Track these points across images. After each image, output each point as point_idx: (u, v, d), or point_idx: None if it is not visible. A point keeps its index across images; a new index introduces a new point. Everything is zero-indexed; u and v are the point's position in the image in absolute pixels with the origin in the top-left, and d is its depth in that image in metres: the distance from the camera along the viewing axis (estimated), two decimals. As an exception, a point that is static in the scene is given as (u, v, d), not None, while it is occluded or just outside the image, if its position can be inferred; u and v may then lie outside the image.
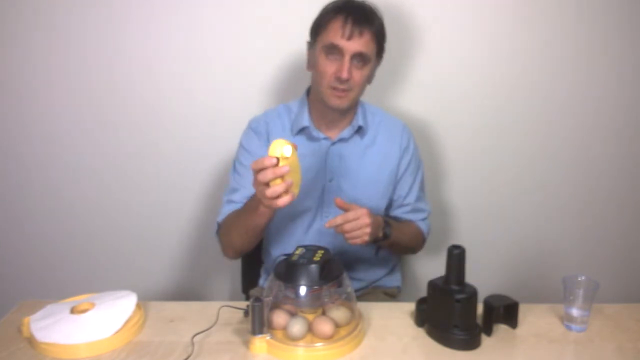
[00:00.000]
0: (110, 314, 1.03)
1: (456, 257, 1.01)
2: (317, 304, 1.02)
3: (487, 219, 1.79)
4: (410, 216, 1.42)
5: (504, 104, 1.68)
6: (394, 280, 1.50)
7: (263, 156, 1.01)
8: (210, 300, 1.78)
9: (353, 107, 1.32)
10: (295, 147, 1.02)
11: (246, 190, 1.27)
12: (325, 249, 1.05)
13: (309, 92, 1.36)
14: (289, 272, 1.00)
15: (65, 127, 1.68)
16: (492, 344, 1.03)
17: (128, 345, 1.01)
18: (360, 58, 1.21)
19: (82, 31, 1.60)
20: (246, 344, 1.00)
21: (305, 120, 1.31)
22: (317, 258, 1.01)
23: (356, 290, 1.36)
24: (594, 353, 1.01)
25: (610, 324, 1.10)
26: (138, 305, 1.09)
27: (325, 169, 1.33)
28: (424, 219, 1.45)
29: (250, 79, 1.64)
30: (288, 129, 1.33)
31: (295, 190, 1.06)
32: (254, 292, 1.47)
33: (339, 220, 1.15)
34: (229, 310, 1.10)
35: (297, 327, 0.99)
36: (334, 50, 1.20)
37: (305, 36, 1.30)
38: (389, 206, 1.42)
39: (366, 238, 1.16)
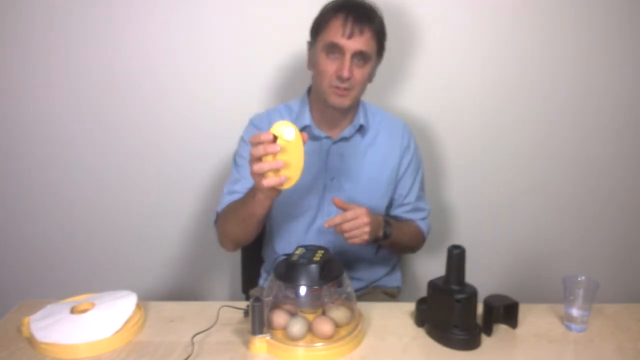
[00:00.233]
0: (110, 314, 1.03)
1: (456, 257, 1.01)
2: (317, 304, 1.02)
3: (487, 219, 1.79)
4: (411, 215, 1.42)
5: (504, 104, 1.69)
6: (394, 280, 1.50)
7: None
8: (210, 300, 1.78)
9: (354, 106, 1.32)
10: (300, 134, 1.00)
11: (247, 181, 1.26)
12: (325, 249, 1.05)
13: (309, 91, 1.36)
14: (289, 272, 1.00)
15: (65, 127, 1.68)
16: (492, 344, 1.03)
17: (128, 345, 1.01)
18: (361, 57, 1.21)
19: (81, 31, 1.60)
20: (246, 344, 1.00)
21: (307, 120, 1.31)
22: (317, 258, 1.01)
23: (356, 290, 1.36)
24: (594, 353, 1.01)
25: (610, 324, 1.10)
26: (138, 305, 1.09)
27: (327, 168, 1.33)
28: (423, 219, 1.45)
29: (250, 79, 1.64)
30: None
31: (292, 176, 1.02)
32: (254, 292, 1.47)
33: (337, 219, 1.15)
34: (229, 310, 1.10)
35: (297, 327, 0.98)
36: (334, 49, 1.20)
37: (305, 36, 1.30)
38: (389, 205, 1.42)
39: (365, 237, 1.16)
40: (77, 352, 0.97)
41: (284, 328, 1.00)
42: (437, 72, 1.65)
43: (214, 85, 1.65)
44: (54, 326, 1.00)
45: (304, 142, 1.02)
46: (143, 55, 1.63)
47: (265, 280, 1.47)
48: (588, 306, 1.06)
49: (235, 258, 1.65)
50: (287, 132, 0.99)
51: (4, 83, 1.65)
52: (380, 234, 1.24)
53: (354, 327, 1.02)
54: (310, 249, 1.05)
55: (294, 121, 1.33)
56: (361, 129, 1.34)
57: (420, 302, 1.09)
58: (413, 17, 1.60)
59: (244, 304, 1.10)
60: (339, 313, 1.03)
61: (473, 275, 1.05)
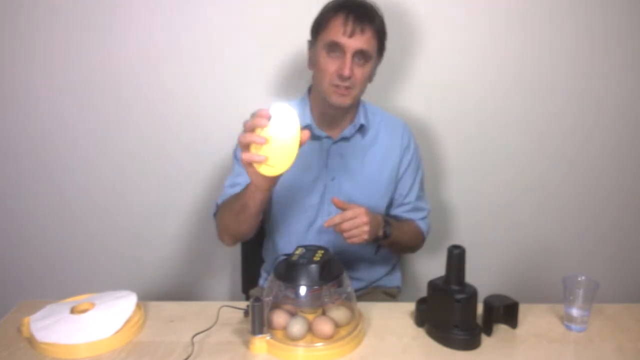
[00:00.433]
0: (110, 314, 1.03)
1: (456, 257, 1.01)
2: (317, 304, 1.02)
3: (487, 219, 1.79)
4: (411, 215, 1.42)
5: (504, 104, 1.69)
6: (394, 280, 1.50)
7: None
8: (210, 300, 1.78)
9: (354, 106, 1.32)
10: (300, 129, 0.98)
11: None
12: (325, 249, 1.05)
13: (310, 91, 1.36)
14: (289, 272, 1.00)
15: (65, 127, 1.68)
16: (492, 344, 1.03)
17: (128, 345, 1.01)
18: (361, 55, 1.21)
19: (82, 30, 1.60)
20: (246, 344, 1.00)
21: (307, 119, 1.31)
22: (317, 258, 1.01)
23: (356, 290, 1.36)
24: (594, 353, 1.01)
25: (610, 324, 1.10)
26: (138, 305, 1.09)
27: (327, 168, 1.33)
28: (423, 218, 1.45)
29: (250, 78, 1.64)
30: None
31: (276, 164, 0.99)
32: (254, 292, 1.47)
33: (337, 219, 1.15)
34: (229, 310, 1.10)
35: (297, 327, 0.98)
36: (335, 48, 1.20)
37: (306, 35, 1.30)
38: (389, 205, 1.42)
39: (365, 237, 1.16)
40: (77, 352, 0.97)
41: (284, 328, 1.00)
42: (437, 72, 1.65)
43: (214, 84, 1.65)
44: (54, 326, 1.00)
45: (305, 139, 1.00)
46: (143, 55, 1.62)
47: (265, 280, 1.47)
48: (588, 306, 1.06)
49: (235, 258, 1.65)
50: (282, 118, 0.98)
51: (5, 83, 1.65)
52: (380, 233, 1.24)
53: (354, 327, 1.02)
54: (310, 249, 1.05)
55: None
56: (361, 129, 1.34)
57: (420, 302, 1.09)
58: (413, 16, 1.60)
59: (244, 304, 1.10)
60: (339, 313, 1.03)
61: (473, 275, 1.05)
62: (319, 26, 1.24)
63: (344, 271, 1.04)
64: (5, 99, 1.66)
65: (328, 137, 1.32)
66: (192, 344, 1.00)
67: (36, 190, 1.74)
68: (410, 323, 1.10)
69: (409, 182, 1.41)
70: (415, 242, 1.44)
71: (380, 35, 1.25)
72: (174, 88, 1.65)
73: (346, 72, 1.19)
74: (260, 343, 0.98)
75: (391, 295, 1.49)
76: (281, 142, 0.99)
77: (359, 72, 1.22)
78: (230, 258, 1.78)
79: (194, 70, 1.64)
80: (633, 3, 1.60)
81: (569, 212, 1.79)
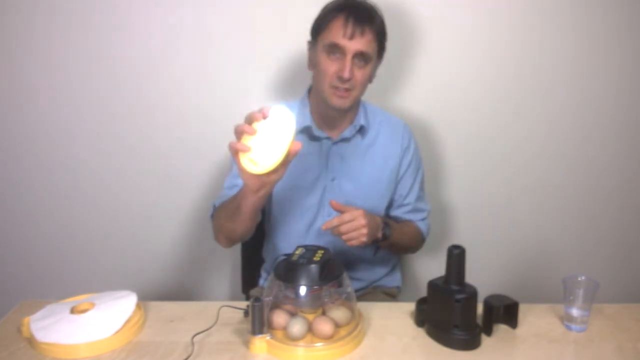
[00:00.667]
0: (110, 314, 1.03)
1: (456, 257, 1.01)
2: (317, 304, 1.02)
3: (487, 219, 1.79)
4: (410, 216, 1.42)
5: (504, 104, 1.69)
6: (394, 280, 1.50)
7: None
8: (210, 300, 1.78)
9: (354, 107, 1.32)
10: (293, 139, 0.99)
11: None
12: (326, 249, 1.05)
13: (309, 91, 1.36)
14: (289, 272, 1.00)
15: (65, 127, 1.68)
16: (492, 344, 1.03)
17: (128, 345, 1.01)
18: (361, 57, 1.21)
19: (82, 30, 1.60)
20: (246, 344, 1.00)
21: (307, 120, 1.31)
22: (317, 258, 1.01)
23: (356, 290, 1.36)
24: (594, 353, 1.01)
25: (610, 324, 1.10)
26: (138, 305, 1.09)
27: (327, 169, 1.33)
28: (423, 219, 1.45)
29: (250, 79, 1.64)
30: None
31: (260, 160, 0.99)
32: (254, 292, 1.47)
33: (335, 221, 1.15)
34: (229, 310, 1.10)
35: (297, 327, 0.98)
36: (335, 49, 1.20)
37: (306, 36, 1.29)
38: (389, 206, 1.42)
39: (364, 239, 1.16)
40: (77, 352, 0.97)
41: (284, 328, 1.00)
42: (437, 72, 1.65)
43: (214, 85, 1.65)
44: (54, 326, 1.00)
45: (295, 150, 1.00)
46: (142, 55, 1.62)
47: (265, 280, 1.47)
48: (588, 306, 1.06)
49: (235, 258, 1.65)
50: (278, 118, 0.99)
51: (4, 83, 1.65)
52: (379, 235, 1.24)
53: (354, 327, 1.02)
54: (310, 249, 1.05)
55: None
56: (361, 130, 1.34)
57: (420, 302, 1.09)
58: (413, 17, 1.60)
59: (244, 304, 1.10)
60: (339, 313, 1.03)
61: (473, 275, 1.05)
62: (319, 27, 1.24)
63: (344, 271, 1.04)
64: (5, 99, 1.66)
65: (328, 138, 1.32)
66: (192, 344, 1.00)
67: (36, 191, 1.74)
68: (410, 323, 1.10)
69: (408, 183, 1.41)
70: (415, 243, 1.44)
71: (381, 37, 1.25)
72: (173, 89, 1.65)
73: (346, 74, 1.19)
74: (260, 343, 0.98)
75: (391, 295, 1.49)
76: (269, 141, 0.99)
77: (359, 74, 1.22)
78: (230, 258, 1.78)
79: (193, 71, 1.64)
80: (633, 3, 1.60)
81: (569, 212, 1.79)
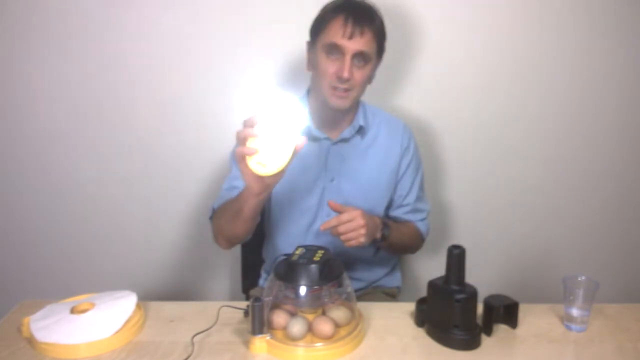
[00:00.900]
0: (110, 314, 1.03)
1: (456, 257, 1.01)
2: (317, 304, 1.02)
3: (487, 219, 1.79)
4: (410, 216, 1.42)
5: (503, 104, 1.69)
6: (394, 280, 1.50)
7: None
8: (210, 300, 1.78)
9: (354, 107, 1.32)
10: (296, 127, 0.99)
11: None
12: (326, 249, 1.05)
13: (308, 92, 1.36)
14: (289, 272, 1.00)
15: (66, 127, 1.68)
16: (492, 344, 1.03)
17: (128, 345, 1.01)
18: (361, 57, 1.21)
19: (81, 30, 1.60)
20: (246, 344, 1.00)
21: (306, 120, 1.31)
22: (317, 258, 1.01)
23: (356, 290, 1.36)
24: (594, 353, 1.01)
25: (610, 324, 1.10)
26: (138, 305, 1.09)
27: (326, 169, 1.33)
28: (423, 219, 1.45)
29: (249, 80, 1.64)
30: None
31: (267, 161, 1.00)
32: (254, 292, 1.47)
33: (333, 222, 1.15)
34: (229, 310, 1.10)
35: (297, 327, 0.98)
36: (334, 50, 1.20)
37: (305, 36, 1.29)
38: (389, 206, 1.42)
39: (362, 239, 1.16)
40: (77, 352, 0.97)
41: (284, 328, 1.00)
42: (437, 72, 1.65)
43: (212, 86, 1.65)
44: (54, 326, 1.00)
45: (300, 146, 1.00)
46: (142, 55, 1.63)
47: (265, 280, 1.47)
48: (588, 306, 1.06)
49: (235, 258, 1.65)
50: (282, 116, 0.98)
51: (4, 83, 1.65)
52: (379, 235, 1.24)
53: (354, 327, 1.02)
54: (310, 249, 1.05)
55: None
56: (361, 130, 1.34)
57: (420, 302, 1.09)
58: (413, 17, 1.60)
59: (244, 304, 1.10)
60: (339, 313, 1.03)
61: (473, 275, 1.05)
62: (318, 28, 1.24)
63: (344, 271, 1.04)
64: (5, 99, 1.66)
65: (327, 138, 1.32)
66: (192, 344, 1.00)
67: (36, 191, 1.74)
68: (410, 323, 1.10)
69: (408, 183, 1.41)
70: (414, 243, 1.44)
71: (380, 37, 1.25)
72: (173, 90, 1.65)
73: (345, 74, 1.19)
74: (260, 343, 0.98)
75: (391, 295, 1.48)
76: (275, 140, 0.99)
77: (359, 74, 1.22)
78: (230, 258, 1.78)
79: (192, 72, 1.64)
80: (634, 3, 1.60)
81: (569, 212, 1.79)
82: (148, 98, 1.66)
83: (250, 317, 0.97)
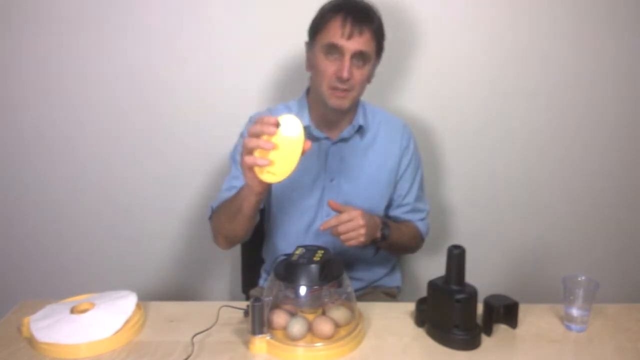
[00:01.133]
0: (110, 314, 1.03)
1: (456, 257, 1.01)
2: (317, 304, 1.02)
3: (487, 219, 1.79)
4: (409, 216, 1.42)
5: (504, 104, 1.69)
6: (394, 280, 1.50)
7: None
8: (210, 300, 1.79)
9: (353, 107, 1.32)
10: (304, 138, 0.99)
11: None
12: (326, 249, 1.05)
13: (308, 92, 1.36)
14: (289, 272, 1.00)
15: (65, 128, 1.68)
16: (492, 344, 1.03)
17: (128, 345, 1.01)
18: (360, 57, 1.21)
19: (82, 31, 1.60)
20: (246, 344, 1.00)
21: (305, 120, 1.31)
22: (317, 258, 1.01)
23: (356, 290, 1.36)
24: (594, 353, 1.01)
25: (610, 324, 1.10)
26: (138, 305, 1.09)
27: (326, 169, 1.33)
28: (422, 219, 1.45)
29: (249, 79, 1.64)
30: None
31: (277, 171, 1.01)
32: (254, 292, 1.47)
33: (332, 222, 1.15)
34: (229, 310, 1.10)
35: (297, 327, 0.98)
36: (333, 50, 1.20)
37: (304, 36, 1.29)
38: (388, 206, 1.42)
39: (362, 239, 1.16)
40: (77, 352, 0.97)
41: (284, 328, 1.00)
42: (437, 72, 1.65)
43: (214, 85, 1.65)
44: (54, 326, 1.00)
45: (306, 149, 1.00)
46: (142, 55, 1.63)
47: (265, 280, 1.47)
48: (588, 306, 1.06)
49: (235, 258, 1.65)
50: (288, 127, 0.99)
51: (5, 83, 1.65)
52: (378, 235, 1.24)
53: (354, 327, 1.02)
54: (310, 249, 1.05)
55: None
56: (360, 130, 1.34)
57: (420, 302, 1.09)
58: (413, 16, 1.60)
59: (244, 304, 1.10)
60: (339, 313, 1.03)
61: (473, 275, 1.05)
62: (317, 28, 1.24)
63: (344, 271, 1.04)
64: (4, 100, 1.66)
65: (327, 138, 1.32)
66: (192, 344, 1.00)
67: (36, 191, 1.74)
68: (410, 323, 1.10)
69: (408, 183, 1.40)
70: (414, 243, 1.44)
71: (379, 36, 1.25)
72: (172, 90, 1.65)
73: (345, 75, 1.18)
74: (260, 343, 0.98)
75: (391, 295, 1.48)
76: (285, 151, 1.00)
77: (358, 74, 1.22)
78: (230, 258, 1.79)
79: (191, 72, 1.64)
80: (633, 3, 1.60)
81: (569, 212, 1.78)
82: (148, 99, 1.66)
83: (250, 317, 0.97)
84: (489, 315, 1.05)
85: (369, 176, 1.35)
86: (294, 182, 1.29)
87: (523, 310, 1.08)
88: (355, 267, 1.39)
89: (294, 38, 1.45)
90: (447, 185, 1.76)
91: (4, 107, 1.67)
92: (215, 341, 1.02)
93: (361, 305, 1.10)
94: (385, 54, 1.30)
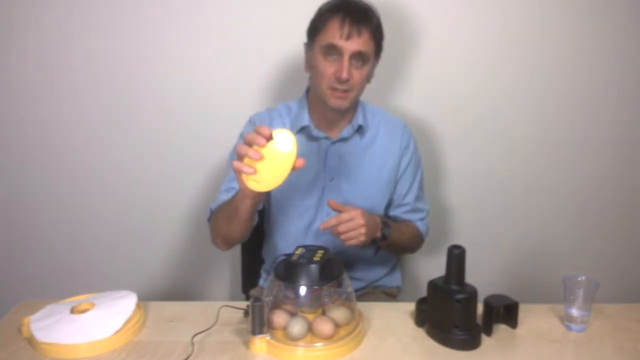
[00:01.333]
0: (110, 314, 1.03)
1: (456, 257, 1.01)
2: (317, 304, 1.02)
3: (487, 219, 1.79)
4: (409, 216, 1.42)
5: (503, 104, 1.69)
6: (393, 280, 1.50)
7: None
8: (210, 300, 1.79)
9: (353, 107, 1.32)
10: (296, 155, 1.00)
11: None
12: (326, 249, 1.05)
13: (308, 92, 1.36)
14: (289, 272, 1.00)
15: (65, 127, 1.69)
16: (492, 344, 1.03)
17: (128, 345, 1.01)
18: (359, 57, 1.21)
19: (82, 31, 1.60)
20: (246, 344, 1.00)
21: (305, 120, 1.31)
22: (317, 258, 1.01)
23: (356, 290, 1.36)
24: (594, 353, 1.01)
25: (610, 324, 1.10)
26: (138, 305, 1.09)
27: (326, 169, 1.33)
28: (422, 219, 1.45)
29: (247, 82, 1.65)
30: (288, 128, 1.33)
31: (263, 181, 1.01)
32: (254, 292, 1.47)
33: (332, 221, 1.15)
34: (229, 310, 1.10)
35: (297, 327, 0.98)
36: (332, 50, 1.20)
37: (303, 37, 1.29)
38: (388, 205, 1.42)
39: (362, 239, 1.16)
40: (77, 352, 0.97)
41: (284, 328, 1.00)
42: (437, 72, 1.65)
43: (213, 85, 1.65)
44: (54, 326, 1.00)
45: (298, 166, 1.00)
46: (142, 55, 1.63)
47: (265, 280, 1.47)
48: (588, 306, 1.06)
49: (235, 258, 1.65)
50: (280, 142, 0.99)
51: (4, 84, 1.65)
52: (379, 235, 1.24)
53: (354, 327, 1.02)
54: (310, 249, 1.05)
55: (293, 121, 1.33)
56: (360, 130, 1.34)
57: (420, 302, 1.09)
58: (412, 16, 1.60)
59: (244, 304, 1.10)
60: (339, 313, 1.03)
61: (473, 275, 1.05)
62: (316, 29, 1.24)
63: (344, 271, 1.04)
64: (5, 99, 1.66)
65: (326, 138, 1.32)
66: (192, 344, 1.00)
67: (36, 191, 1.74)
68: (410, 323, 1.10)
69: (408, 183, 1.40)
70: (414, 243, 1.44)
71: (378, 37, 1.24)
72: (172, 91, 1.66)
73: (344, 75, 1.18)
74: (260, 343, 0.98)
75: (391, 295, 1.48)
76: (273, 164, 1.00)
77: (357, 74, 1.22)
78: (230, 258, 1.79)
79: (191, 72, 1.64)
80: (634, 3, 1.60)
81: (569, 212, 1.79)
82: (147, 99, 1.66)
83: (250, 317, 0.97)
84: (489, 315, 1.05)
85: (369, 176, 1.35)
86: (293, 182, 1.28)
87: (523, 310, 1.08)
88: (355, 267, 1.40)
89: (294, 38, 1.45)
90: (447, 185, 1.76)
91: (6, 106, 1.67)
92: (215, 341, 1.02)
93: (361, 305, 1.10)
94: (385, 54, 1.30)
